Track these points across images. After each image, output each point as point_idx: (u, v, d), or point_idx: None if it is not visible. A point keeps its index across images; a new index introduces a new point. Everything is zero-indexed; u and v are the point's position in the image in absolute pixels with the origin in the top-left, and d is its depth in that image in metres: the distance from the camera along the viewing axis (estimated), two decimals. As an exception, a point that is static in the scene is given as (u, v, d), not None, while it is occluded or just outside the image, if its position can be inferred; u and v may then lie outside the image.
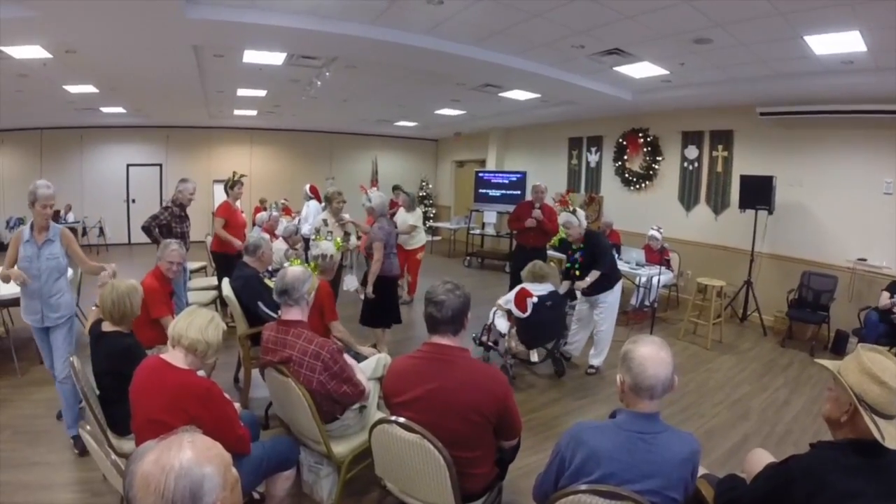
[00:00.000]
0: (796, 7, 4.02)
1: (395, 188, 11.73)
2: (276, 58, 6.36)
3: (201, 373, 2.55)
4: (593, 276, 4.84)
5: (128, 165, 12.55)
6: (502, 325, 4.84)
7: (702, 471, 2.04)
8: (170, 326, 2.22)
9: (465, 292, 2.22)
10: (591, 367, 5.19)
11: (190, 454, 0.97)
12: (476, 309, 2.33)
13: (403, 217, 7.25)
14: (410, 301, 7.59)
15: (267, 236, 4.89)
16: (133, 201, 12.59)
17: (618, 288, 5.12)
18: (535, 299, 4.64)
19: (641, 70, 6.48)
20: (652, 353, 1.72)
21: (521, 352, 5.02)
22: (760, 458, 2.10)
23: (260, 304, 3.81)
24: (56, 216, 10.99)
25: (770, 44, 4.99)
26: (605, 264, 4.89)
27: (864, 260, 6.33)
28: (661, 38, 5.21)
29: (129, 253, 11.13)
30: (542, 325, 4.77)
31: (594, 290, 5.00)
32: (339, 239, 4.73)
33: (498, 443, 2.23)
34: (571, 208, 5.22)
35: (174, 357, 2.15)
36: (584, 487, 1.65)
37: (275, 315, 3.77)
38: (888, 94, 5.72)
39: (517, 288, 4.84)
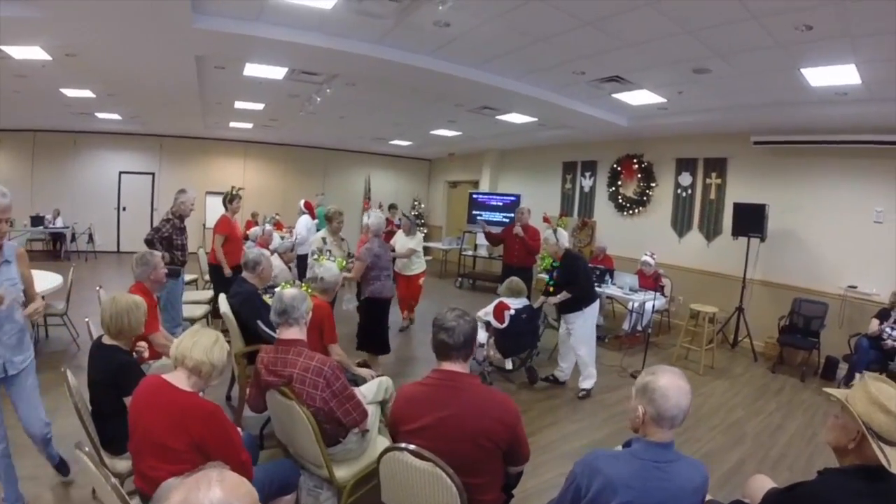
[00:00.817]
0: (798, 40, 4.12)
1: (392, 207, 11.76)
2: (277, 72, 6.39)
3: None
4: (563, 295, 5.03)
5: (120, 173, 12.43)
6: (481, 335, 4.99)
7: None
8: (173, 346, 2.16)
9: (473, 317, 2.22)
10: (583, 390, 5.18)
11: (220, 494, 0.94)
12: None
13: (403, 241, 6.94)
14: (407, 326, 7.26)
15: (267, 252, 4.85)
16: (124, 209, 12.45)
17: (589, 311, 5.12)
18: (511, 311, 5.04)
19: (639, 97, 6.60)
20: (673, 384, 1.74)
21: (497, 360, 5.34)
22: (762, 484, 2.17)
23: (259, 322, 3.75)
24: (42, 221, 10.84)
25: (767, 75, 5.12)
26: (576, 286, 5.01)
27: (855, 287, 6.43)
28: (661, 67, 5.33)
29: (118, 261, 10.98)
30: (518, 336, 5.18)
31: (564, 308, 5.16)
32: (341, 259, 4.71)
33: (506, 469, 2.21)
34: (553, 227, 5.42)
35: (177, 378, 2.07)
36: None
37: (274, 334, 3.73)
38: (879, 124, 5.88)
39: (495, 301, 5.19)
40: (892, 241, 6.20)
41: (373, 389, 3.25)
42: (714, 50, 4.64)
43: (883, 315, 5.51)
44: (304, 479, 2.75)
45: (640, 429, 1.81)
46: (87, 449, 1.98)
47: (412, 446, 2.01)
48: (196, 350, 2.08)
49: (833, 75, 4.83)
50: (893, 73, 4.62)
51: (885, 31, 3.81)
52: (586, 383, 5.18)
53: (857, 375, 5.22)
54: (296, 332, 2.69)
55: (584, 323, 5.12)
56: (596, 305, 5.23)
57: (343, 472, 2.61)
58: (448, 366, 2.15)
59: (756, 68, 4.97)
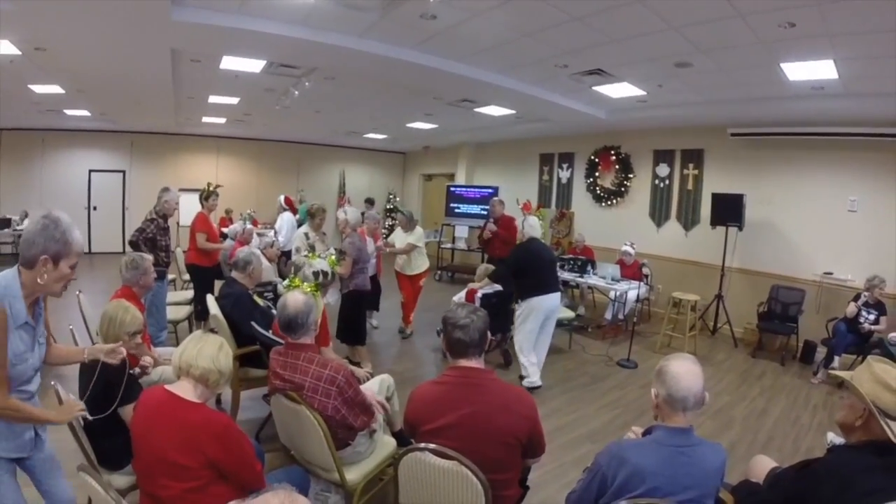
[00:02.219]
0: (780, 37, 4.20)
1: (368, 201, 11.68)
2: (255, 65, 6.23)
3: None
4: (486, 282, 5.41)
5: (90, 171, 12.00)
6: None
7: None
8: (175, 355, 2.03)
9: (484, 312, 2.23)
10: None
11: None
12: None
13: (401, 237, 6.61)
14: (410, 334, 6.76)
15: (258, 251, 4.76)
16: (94, 208, 12.03)
17: (529, 303, 5.01)
18: (480, 294, 5.40)
19: (619, 90, 6.65)
20: (685, 368, 1.82)
21: None
22: (765, 464, 2.35)
23: (253, 324, 3.67)
24: (10, 224, 10.43)
25: (747, 70, 5.21)
26: (498, 274, 5.32)
27: (831, 273, 6.66)
28: (643, 61, 5.37)
29: (90, 263, 10.61)
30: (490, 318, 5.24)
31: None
32: (333, 256, 4.66)
33: (524, 462, 2.22)
34: (524, 217, 5.57)
35: (183, 389, 1.95)
36: (625, 502, 1.71)
37: (268, 334, 3.67)
38: (854, 117, 6.09)
39: (468, 287, 5.65)
40: (865, 229, 6.44)
41: (374, 388, 3.23)
42: (697, 45, 4.69)
43: (858, 299, 5.70)
44: (312, 484, 2.72)
45: (658, 414, 1.88)
46: (94, 475, 1.86)
47: (432, 445, 2.00)
48: (202, 358, 1.96)
49: (811, 70, 4.94)
50: (869, 70, 4.76)
51: (864, 31, 3.92)
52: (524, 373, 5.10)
53: (836, 358, 5.42)
54: (306, 338, 2.63)
55: (522, 313, 5.07)
56: (541, 300, 4.99)
57: (353, 475, 2.59)
58: (465, 362, 2.14)
59: (737, 63, 5.05)
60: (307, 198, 11.84)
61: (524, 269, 5.00)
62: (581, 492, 1.91)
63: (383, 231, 10.63)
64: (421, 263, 6.58)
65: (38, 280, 1.86)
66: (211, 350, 2.00)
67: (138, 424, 1.96)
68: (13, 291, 1.85)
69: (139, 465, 1.98)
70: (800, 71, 5.01)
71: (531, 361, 5.03)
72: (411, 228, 6.61)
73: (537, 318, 5.01)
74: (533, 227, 5.14)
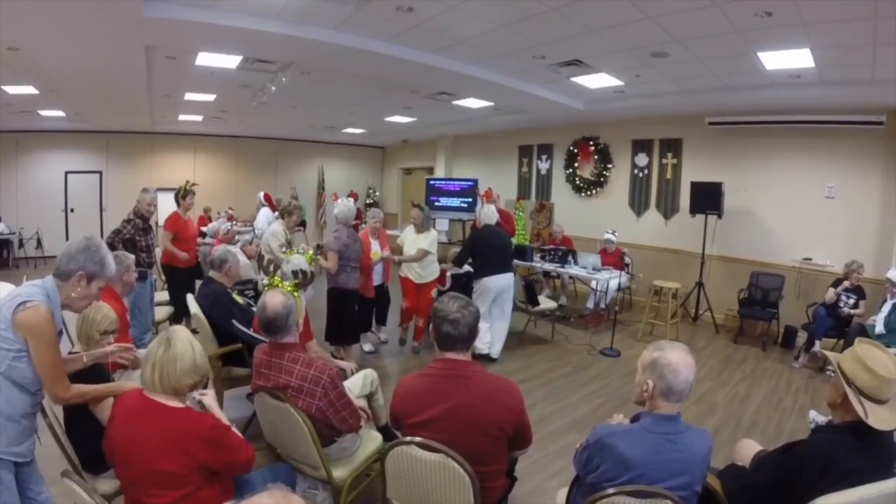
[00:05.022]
0: (757, 26, 4.25)
1: (350, 196, 11.62)
2: (231, 61, 6.15)
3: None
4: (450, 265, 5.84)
5: (66, 173, 11.73)
6: None
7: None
8: (147, 371, 1.89)
9: (476, 307, 2.20)
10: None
11: None
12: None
13: (412, 239, 5.69)
14: (420, 350, 5.93)
15: (234, 248, 4.69)
16: (72, 210, 11.76)
17: (478, 285, 5.48)
18: (449, 274, 5.77)
19: (597, 81, 6.67)
20: (682, 359, 1.81)
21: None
22: (750, 447, 2.39)
23: (234, 322, 3.63)
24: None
25: (724, 59, 5.27)
26: (460, 259, 5.69)
27: (810, 259, 6.77)
28: (620, 52, 5.38)
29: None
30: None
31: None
32: (311, 252, 4.60)
33: (510, 454, 2.23)
34: (481, 205, 6.07)
35: (160, 394, 1.87)
36: (611, 491, 1.74)
37: (250, 331, 3.63)
38: (830, 105, 6.18)
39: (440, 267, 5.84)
40: (843, 215, 6.57)
41: (358, 384, 3.22)
42: (674, 35, 4.72)
43: (838, 285, 5.80)
44: (298, 481, 2.69)
45: (647, 402, 1.87)
46: (77, 479, 1.79)
47: (418, 439, 1.99)
48: (180, 376, 1.85)
49: (788, 59, 5.00)
50: (845, 58, 4.84)
51: (839, 20, 3.98)
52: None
53: (817, 342, 5.51)
54: (289, 338, 2.59)
55: (475, 291, 5.49)
56: (491, 280, 5.39)
57: (340, 472, 2.57)
58: (451, 355, 2.13)
59: (713, 52, 5.10)
60: (298, 195, 11.82)
61: (477, 252, 5.53)
62: (578, 455, 1.98)
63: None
64: (432, 270, 5.70)
65: (72, 294, 2.01)
66: (185, 365, 1.88)
67: (118, 432, 1.88)
68: (55, 300, 1.97)
69: (124, 474, 1.92)
70: (776, 60, 5.06)
71: (481, 339, 5.26)
72: (426, 230, 5.69)
73: (488, 296, 5.41)
74: (488, 214, 5.67)
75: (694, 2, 3.93)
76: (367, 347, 5.79)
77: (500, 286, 5.42)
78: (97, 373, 2.42)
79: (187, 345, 1.91)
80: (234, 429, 2.02)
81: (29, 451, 2.04)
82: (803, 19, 4.06)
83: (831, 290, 5.73)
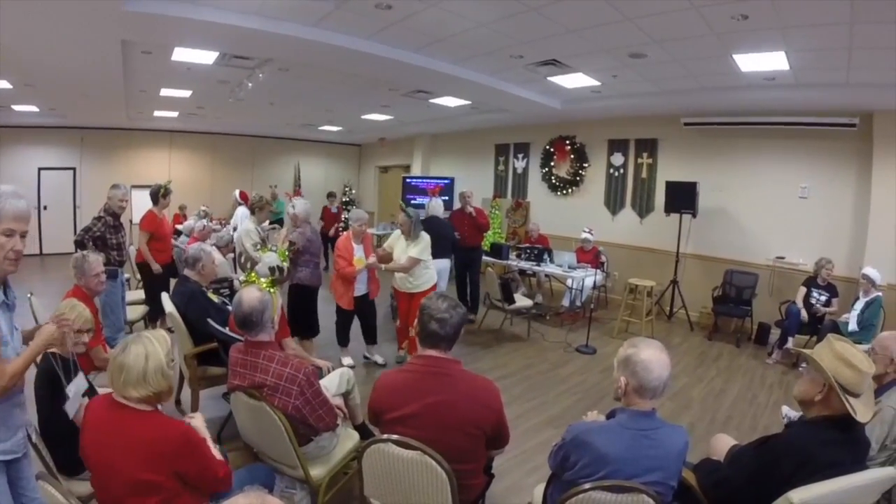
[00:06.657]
0: (733, 28, 4.31)
1: (330, 195, 11.51)
2: (208, 57, 6.04)
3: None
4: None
5: (39, 169, 11.43)
6: None
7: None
8: (115, 377, 1.80)
9: (463, 308, 2.22)
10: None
11: None
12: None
13: (402, 246, 5.10)
14: (403, 360, 5.35)
15: (208, 247, 4.62)
16: (45, 208, 11.42)
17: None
18: None
19: (574, 81, 6.72)
20: (655, 356, 1.82)
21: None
22: (725, 442, 2.42)
23: (210, 321, 3.58)
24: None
25: (700, 61, 5.34)
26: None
27: (783, 258, 6.93)
28: (599, 52, 5.42)
29: (41, 265, 10.15)
30: None
31: None
32: (283, 249, 4.57)
33: (488, 453, 2.24)
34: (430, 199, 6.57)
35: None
36: (588, 486, 1.75)
37: (225, 330, 3.59)
38: (804, 107, 6.33)
39: None
40: (816, 215, 6.73)
41: (335, 382, 3.20)
42: (651, 36, 4.77)
43: (808, 283, 5.95)
44: (276, 481, 2.67)
45: (622, 399, 1.89)
46: (53, 482, 1.76)
47: (395, 436, 1.99)
48: (124, 385, 1.75)
49: (763, 61, 5.09)
50: (820, 61, 4.94)
51: (815, 24, 4.07)
52: None
53: (790, 339, 5.63)
54: (264, 335, 2.56)
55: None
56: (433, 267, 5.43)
57: (318, 471, 2.56)
58: (433, 352, 2.13)
59: (690, 54, 5.17)
60: (278, 193, 11.73)
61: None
62: (553, 454, 1.99)
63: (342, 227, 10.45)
64: (427, 278, 5.17)
65: None
66: (153, 365, 1.79)
67: (89, 439, 1.82)
68: None
69: (97, 482, 1.85)
70: (752, 62, 5.15)
71: None
72: (416, 236, 5.04)
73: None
74: (434, 207, 6.41)
75: (672, 4, 3.98)
76: (347, 361, 5.14)
77: (438, 268, 5.59)
78: (66, 370, 2.37)
79: (140, 356, 1.77)
80: (214, 448, 2.00)
81: (17, 446, 1.92)
82: (779, 23, 4.13)
83: (802, 289, 5.86)
